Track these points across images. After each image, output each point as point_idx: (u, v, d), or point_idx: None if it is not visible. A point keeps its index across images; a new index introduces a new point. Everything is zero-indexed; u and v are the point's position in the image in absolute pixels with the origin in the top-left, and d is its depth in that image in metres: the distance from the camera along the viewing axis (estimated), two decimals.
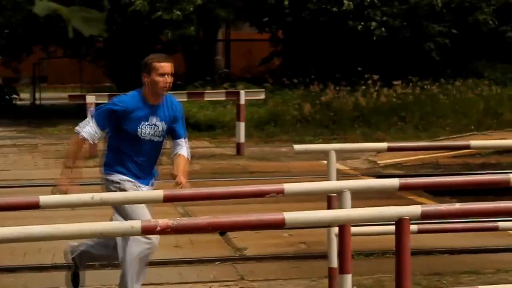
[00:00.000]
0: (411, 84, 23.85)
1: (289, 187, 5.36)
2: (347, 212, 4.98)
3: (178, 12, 24.05)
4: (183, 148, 7.16)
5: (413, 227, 7.42)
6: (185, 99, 18.02)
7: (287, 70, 26.24)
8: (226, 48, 31.66)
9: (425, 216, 4.84)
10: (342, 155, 15.11)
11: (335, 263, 6.28)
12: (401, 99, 23.18)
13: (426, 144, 8.10)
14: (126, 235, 6.07)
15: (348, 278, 5.62)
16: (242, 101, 17.77)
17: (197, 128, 21.26)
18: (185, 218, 4.65)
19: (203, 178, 13.94)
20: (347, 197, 5.49)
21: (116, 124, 7.08)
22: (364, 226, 6.91)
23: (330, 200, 6.71)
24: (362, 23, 24.77)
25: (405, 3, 25.22)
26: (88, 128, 7.01)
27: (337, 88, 23.46)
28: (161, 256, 8.45)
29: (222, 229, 4.60)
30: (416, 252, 9.00)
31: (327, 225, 6.89)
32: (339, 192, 5.61)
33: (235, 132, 17.88)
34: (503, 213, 5.44)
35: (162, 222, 4.16)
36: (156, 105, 7.13)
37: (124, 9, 24.24)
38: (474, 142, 7.74)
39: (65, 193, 6.58)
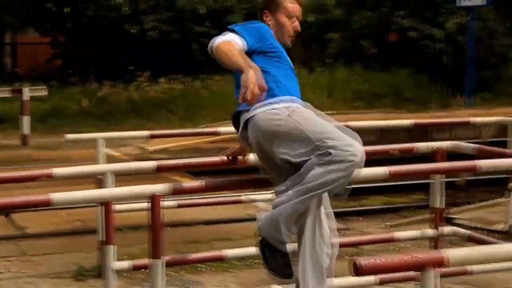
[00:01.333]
0: (177, 80, 24.21)
1: (57, 171, 5.27)
2: (107, 191, 4.98)
3: None
4: None
5: (173, 203, 7.53)
6: None
7: (67, 70, 26.03)
8: (13, 51, 31.02)
9: (175, 192, 4.91)
10: (116, 143, 15.09)
11: (103, 236, 6.24)
12: (168, 93, 23.48)
13: (183, 131, 8.24)
14: None
15: (111, 248, 5.62)
16: (26, 97, 18.15)
17: None
18: None
19: None
20: (110, 178, 5.46)
21: None
22: (127, 204, 6.91)
23: (99, 181, 6.69)
24: (137, 27, 24.96)
25: (172, 9, 25.56)
26: None
27: (112, 84, 23.54)
28: None
29: None
30: (177, 224, 9.19)
31: (92, 203, 6.88)
32: (103, 174, 5.59)
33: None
34: (244, 187, 5.62)
35: None
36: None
37: None
38: (223, 129, 7.91)
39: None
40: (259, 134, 4.48)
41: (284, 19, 4.85)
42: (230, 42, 4.43)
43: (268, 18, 4.84)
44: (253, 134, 4.53)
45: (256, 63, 4.37)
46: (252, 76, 4.16)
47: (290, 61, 4.86)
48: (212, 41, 4.49)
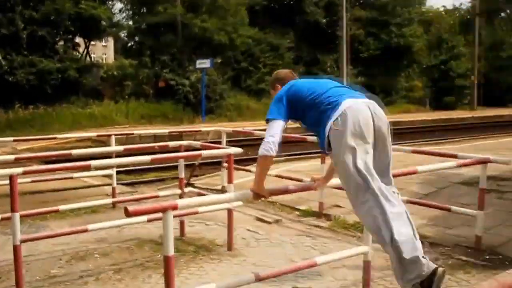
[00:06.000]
0: (38, 107, 22.38)
1: None
2: None
3: None
4: None
5: (28, 180, 6.97)
6: None
7: None
8: None
9: (26, 172, 4.58)
10: None
11: None
12: (31, 115, 21.70)
13: (34, 137, 7.65)
14: None
15: None
16: None
17: None
18: None
19: None
20: None
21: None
22: None
23: None
24: (12, 77, 22.78)
25: (34, 67, 23.59)
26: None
27: None
28: None
29: None
30: (34, 193, 8.36)
31: None
32: None
33: None
34: (70, 169, 5.31)
35: None
36: None
37: None
38: (60, 135, 7.47)
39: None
40: None
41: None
42: (269, 159, 3.18)
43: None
44: None
45: (309, 115, 3.16)
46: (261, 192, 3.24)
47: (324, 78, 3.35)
48: (264, 144, 3.17)
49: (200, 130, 14.60)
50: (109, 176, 8.01)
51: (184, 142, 6.30)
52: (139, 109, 24.29)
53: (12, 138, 7.45)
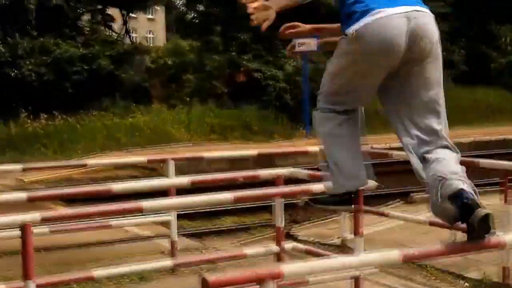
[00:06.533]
0: (55, 117, 23.77)
1: None
2: None
3: None
4: None
5: (45, 230, 7.28)
6: None
7: None
8: None
9: (44, 220, 4.76)
10: None
11: None
12: (44, 129, 22.97)
13: (54, 164, 8.02)
14: None
15: None
16: None
17: None
18: None
19: None
20: None
21: None
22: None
23: None
24: (15, 71, 24.24)
25: (47, 54, 25.03)
26: None
27: None
28: None
29: None
30: (50, 248, 8.86)
31: None
32: None
33: None
34: (104, 214, 5.50)
35: None
36: None
37: None
38: (90, 161, 7.74)
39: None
40: None
41: None
42: None
43: None
44: None
45: None
46: None
47: None
48: None
49: (306, 151, 14.46)
50: (166, 224, 8.15)
51: (283, 171, 6.27)
52: (206, 118, 24.92)
53: (20, 166, 7.78)
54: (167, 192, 7.16)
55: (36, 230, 6.91)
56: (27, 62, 24.54)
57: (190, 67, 28.20)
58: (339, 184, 3.83)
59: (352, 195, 3.92)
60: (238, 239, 9.99)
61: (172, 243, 7.73)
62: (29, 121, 23.34)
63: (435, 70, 3.56)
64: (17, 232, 6.22)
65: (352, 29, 3.49)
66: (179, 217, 9.15)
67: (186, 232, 9.93)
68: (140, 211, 4.73)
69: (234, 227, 11.00)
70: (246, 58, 26.94)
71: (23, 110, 23.61)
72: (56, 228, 7.73)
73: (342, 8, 3.62)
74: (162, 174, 16.90)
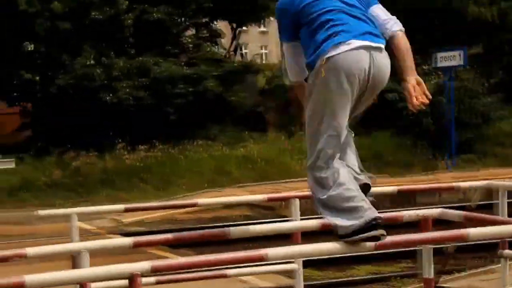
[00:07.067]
0: (155, 148, 24.16)
1: (31, 250, 5.21)
2: (83, 271, 4.89)
3: None
4: None
5: (151, 279, 7.42)
6: None
7: (38, 140, 25.87)
8: None
9: (154, 270, 4.84)
10: (89, 216, 14.99)
11: None
12: (143, 161, 23.39)
13: (159, 204, 8.15)
14: None
15: None
16: None
17: None
18: None
19: None
20: (85, 257, 5.42)
21: None
22: (105, 282, 6.81)
23: (74, 259, 6.61)
24: (111, 95, 24.79)
25: (146, 75, 25.48)
26: None
27: (89, 154, 23.39)
28: None
29: None
30: None
31: (67, 283, 6.75)
32: (78, 252, 5.53)
33: None
34: (221, 263, 5.53)
35: None
36: None
37: None
38: (200, 200, 7.85)
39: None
40: None
41: None
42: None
43: None
44: None
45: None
46: None
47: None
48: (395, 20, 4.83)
49: (453, 188, 14.22)
50: (290, 273, 8.16)
51: (432, 211, 6.19)
52: None
53: (122, 206, 7.96)
54: (290, 236, 7.17)
55: (147, 280, 7.08)
56: (124, 85, 25.04)
57: None
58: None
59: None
60: None
61: None
62: (126, 153, 23.82)
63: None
64: (120, 282, 6.42)
65: (321, 58, 4.46)
66: (307, 265, 9.14)
67: (314, 284, 9.91)
68: (262, 260, 4.74)
69: (368, 278, 10.89)
70: None
71: (120, 140, 24.12)
72: (163, 277, 7.86)
73: (310, 42, 4.62)
74: (280, 214, 17.10)
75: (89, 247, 5.51)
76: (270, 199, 8.97)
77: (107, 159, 23.36)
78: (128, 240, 5.58)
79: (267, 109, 28.21)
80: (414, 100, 4.52)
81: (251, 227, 6.04)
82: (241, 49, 33.10)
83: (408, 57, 4.67)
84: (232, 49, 31.68)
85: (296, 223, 6.88)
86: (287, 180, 21.29)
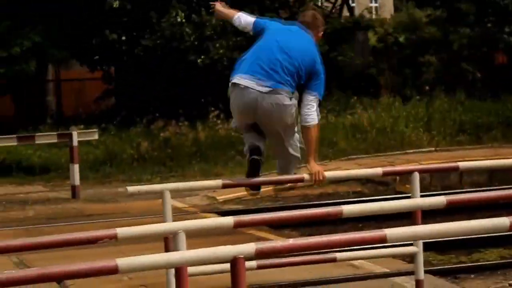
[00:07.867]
0: None
1: (122, 231, 5.32)
2: (182, 254, 4.96)
3: (17, 48, 23.57)
4: None
5: (252, 263, 7.52)
6: (15, 143, 17.99)
7: (122, 108, 26.21)
8: (56, 88, 31.25)
9: (259, 254, 4.90)
10: (180, 193, 15.18)
11: None
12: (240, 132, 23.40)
13: (260, 180, 8.19)
14: None
15: None
16: (75, 142, 17.17)
17: (30, 172, 21.03)
18: (14, 271, 4.52)
19: (38, 224, 13.75)
20: (182, 238, 5.50)
21: None
22: (202, 266, 6.92)
23: (167, 241, 6.75)
24: (203, 57, 24.96)
25: (240, 34, 25.63)
26: None
27: (179, 123, 23.56)
28: None
29: (52, 280, 4.47)
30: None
31: (163, 268, 6.88)
32: (174, 234, 5.62)
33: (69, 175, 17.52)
34: (335, 245, 5.55)
35: None
36: None
37: None
38: (306, 175, 7.85)
39: None
40: None
41: None
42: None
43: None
44: None
45: None
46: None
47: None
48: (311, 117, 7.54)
49: None
50: (407, 257, 8.12)
51: None
52: (453, 114, 24.59)
53: (220, 182, 8.06)
54: (411, 215, 7.17)
55: (249, 264, 7.17)
56: (217, 45, 25.21)
57: (431, 45, 27.95)
58: None
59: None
60: (506, 279, 9.76)
61: (418, 283, 7.71)
62: (219, 122, 23.90)
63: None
64: (221, 266, 6.53)
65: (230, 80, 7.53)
66: (428, 249, 9.10)
67: (435, 269, 9.84)
68: (384, 241, 4.76)
69: (499, 263, 10.74)
70: (508, 31, 26.31)
71: (213, 108, 24.23)
72: (265, 262, 7.94)
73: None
74: (395, 189, 17.05)
75: (187, 227, 5.60)
76: (385, 173, 8.96)
77: (199, 130, 23.44)
78: (229, 220, 5.66)
79: (379, 70, 28.05)
80: (317, 180, 7.56)
81: (368, 205, 6.08)
82: (348, 3, 32.79)
83: (311, 146, 7.53)
84: (339, 3, 31.53)
85: (418, 201, 6.85)
86: (402, 152, 21.14)
